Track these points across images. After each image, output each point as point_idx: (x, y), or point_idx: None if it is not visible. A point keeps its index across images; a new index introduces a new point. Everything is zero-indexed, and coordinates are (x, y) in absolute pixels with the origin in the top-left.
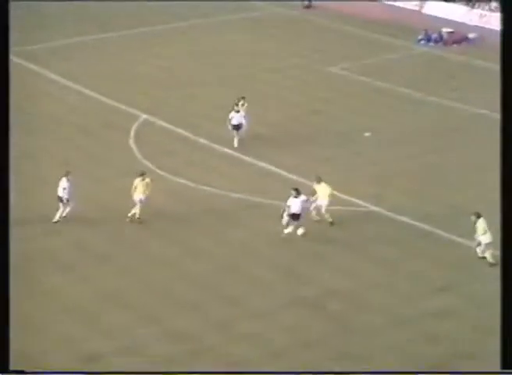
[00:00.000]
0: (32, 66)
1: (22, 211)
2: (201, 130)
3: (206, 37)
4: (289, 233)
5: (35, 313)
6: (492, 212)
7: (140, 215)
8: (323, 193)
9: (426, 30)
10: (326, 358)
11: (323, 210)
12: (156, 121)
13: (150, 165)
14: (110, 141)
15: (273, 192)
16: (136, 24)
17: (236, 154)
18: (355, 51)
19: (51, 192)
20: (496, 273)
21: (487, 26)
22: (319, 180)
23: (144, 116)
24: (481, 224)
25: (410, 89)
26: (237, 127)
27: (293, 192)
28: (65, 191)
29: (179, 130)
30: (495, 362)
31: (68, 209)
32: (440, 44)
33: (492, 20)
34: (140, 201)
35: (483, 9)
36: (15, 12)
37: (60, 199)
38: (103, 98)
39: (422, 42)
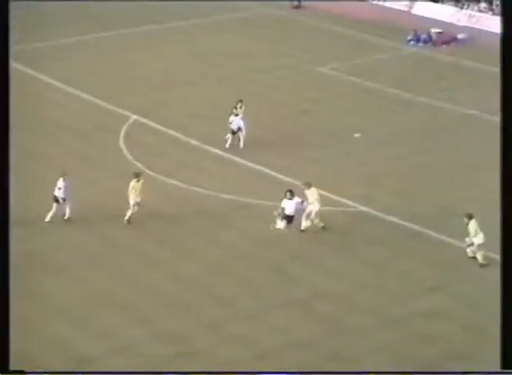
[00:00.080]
0: (22, 67)
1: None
2: (192, 130)
3: (195, 38)
4: (278, 229)
5: (27, 314)
6: (482, 212)
7: (131, 216)
8: (314, 198)
9: (415, 31)
10: (317, 358)
11: (313, 215)
12: (147, 122)
13: (141, 166)
14: (101, 143)
15: (264, 193)
16: (127, 25)
17: (226, 155)
18: (344, 52)
19: (39, 194)
20: (486, 273)
21: (476, 26)
22: (309, 186)
23: (135, 117)
24: (472, 225)
25: (399, 89)
26: (237, 130)
27: (288, 194)
28: (61, 191)
29: (171, 131)
30: (486, 363)
31: (68, 210)
32: (429, 44)
33: (481, 21)
34: (138, 203)
35: (472, 10)
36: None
37: (55, 199)
38: (95, 99)
39: (411, 42)
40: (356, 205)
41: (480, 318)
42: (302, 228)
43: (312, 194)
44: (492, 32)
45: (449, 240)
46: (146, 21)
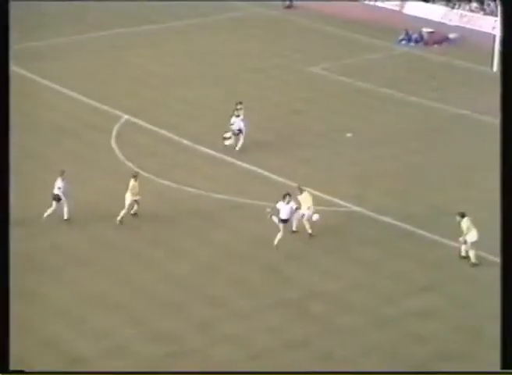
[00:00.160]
0: (15, 67)
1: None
2: (184, 130)
3: (188, 38)
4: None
5: (22, 315)
6: (474, 211)
7: (123, 217)
8: (306, 203)
9: (407, 30)
10: (310, 359)
11: (305, 219)
12: (139, 122)
13: (132, 166)
14: (93, 142)
15: (256, 193)
16: (118, 25)
17: (218, 155)
18: (336, 52)
19: (34, 194)
20: (478, 273)
21: (467, 26)
22: (301, 191)
23: (126, 117)
24: (465, 223)
25: (391, 89)
26: (239, 132)
27: (286, 198)
28: (60, 191)
29: (163, 131)
30: (479, 363)
31: (66, 210)
32: (421, 44)
33: (473, 20)
34: (137, 201)
35: (463, 9)
36: None
37: (56, 198)
38: (87, 99)
39: (403, 42)
40: (348, 205)
41: (472, 318)
42: (293, 229)
43: (305, 199)
44: (484, 32)
45: (441, 240)
46: (142, 21)
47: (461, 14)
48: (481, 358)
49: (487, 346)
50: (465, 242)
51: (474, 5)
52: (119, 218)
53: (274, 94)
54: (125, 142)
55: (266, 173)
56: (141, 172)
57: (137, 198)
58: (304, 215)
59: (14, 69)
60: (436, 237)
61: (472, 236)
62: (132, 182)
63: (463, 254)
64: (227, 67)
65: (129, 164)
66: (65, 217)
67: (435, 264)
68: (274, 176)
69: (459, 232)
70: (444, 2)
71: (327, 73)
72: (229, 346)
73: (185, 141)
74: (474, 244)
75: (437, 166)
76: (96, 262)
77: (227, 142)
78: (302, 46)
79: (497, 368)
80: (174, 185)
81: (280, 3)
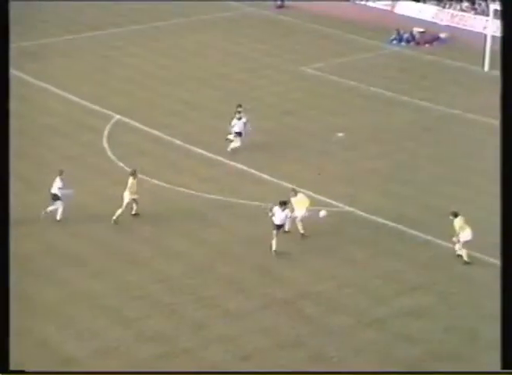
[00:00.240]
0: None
1: None
2: (176, 130)
3: (180, 37)
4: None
5: (13, 315)
6: (466, 211)
7: (119, 216)
8: (300, 205)
9: (398, 30)
10: (302, 359)
11: (298, 220)
12: (130, 122)
13: (124, 166)
14: (84, 142)
15: (248, 193)
16: (110, 24)
17: (209, 155)
18: (327, 51)
19: (22, 195)
20: (470, 272)
21: (458, 25)
22: (296, 193)
23: (118, 117)
24: (458, 223)
25: (382, 89)
26: (239, 134)
27: (282, 206)
28: (60, 191)
29: (154, 131)
30: (471, 363)
31: (60, 211)
32: (412, 43)
33: (464, 20)
34: (135, 200)
35: (454, 9)
36: None
37: (54, 197)
38: (78, 99)
39: (394, 42)
40: (340, 204)
41: (465, 318)
42: (286, 229)
43: (299, 201)
44: (475, 31)
45: (433, 239)
46: (135, 21)
47: (452, 14)
48: (474, 358)
49: (479, 346)
50: (458, 241)
51: (465, 4)
52: (114, 217)
53: (266, 94)
54: (117, 142)
55: (258, 173)
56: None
57: (135, 197)
58: (296, 217)
59: None
60: (428, 237)
61: (466, 235)
62: (130, 180)
63: (458, 252)
64: (219, 67)
65: (121, 164)
66: (58, 218)
67: (427, 264)
68: (266, 176)
69: (452, 231)
70: (435, 2)
71: (319, 72)
72: (221, 346)
73: (177, 141)
74: (467, 243)
75: (429, 166)
76: (87, 263)
77: (232, 145)
78: (293, 46)
79: (490, 368)
80: (166, 185)
81: (272, 3)
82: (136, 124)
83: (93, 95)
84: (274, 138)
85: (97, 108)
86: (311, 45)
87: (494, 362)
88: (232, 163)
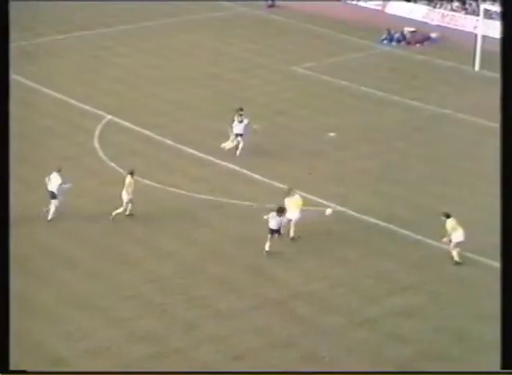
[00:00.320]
0: None
1: None
2: (167, 130)
3: (171, 37)
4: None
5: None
6: (457, 211)
7: (117, 214)
8: (293, 206)
9: (389, 30)
10: (293, 359)
11: (293, 222)
12: (121, 122)
13: (116, 166)
14: (75, 143)
15: (239, 193)
16: (99, 24)
17: (201, 155)
18: (319, 51)
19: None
20: (460, 272)
21: (449, 25)
22: (293, 193)
23: (109, 117)
24: (450, 223)
25: (373, 89)
26: (240, 136)
27: (279, 213)
28: (61, 187)
29: (146, 131)
30: (461, 363)
31: (52, 210)
32: (403, 43)
33: (454, 20)
34: (131, 201)
35: (445, 9)
36: None
37: (52, 195)
38: (69, 99)
39: (385, 42)
40: (332, 204)
41: (455, 318)
42: (282, 232)
43: (294, 202)
44: (465, 31)
45: (424, 239)
46: (125, 21)
47: (443, 14)
48: (464, 358)
49: (470, 346)
50: (450, 242)
51: (456, 4)
52: (113, 213)
53: (257, 94)
54: (108, 142)
55: (250, 173)
56: (124, 172)
57: (131, 197)
58: (291, 219)
59: None
60: (419, 237)
61: (458, 236)
62: (128, 179)
63: (458, 251)
64: (211, 66)
65: (113, 164)
66: (49, 218)
67: (417, 264)
68: (258, 176)
69: (443, 232)
70: (426, 2)
71: (310, 72)
72: (212, 346)
73: (168, 141)
74: (459, 245)
75: (419, 165)
76: (79, 263)
77: (228, 145)
78: (285, 45)
79: (479, 368)
80: (158, 185)
81: (263, 3)
82: (127, 124)
83: (84, 95)
84: (265, 138)
85: (88, 108)
86: (302, 45)
87: (483, 362)
88: (223, 163)
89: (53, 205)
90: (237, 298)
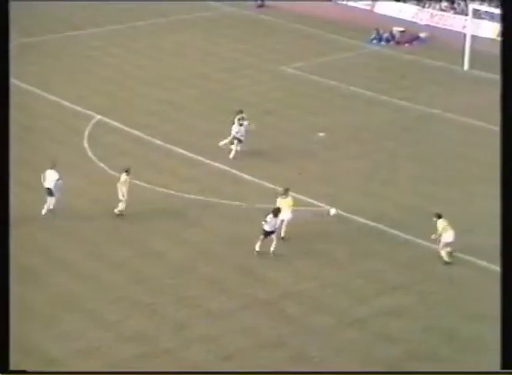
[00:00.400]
0: None
1: None
2: (156, 130)
3: (159, 37)
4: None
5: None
6: (446, 211)
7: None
8: (285, 206)
9: (378, 30)
10: (283, 359)
11: (285, 224)
12: (111, 122)
13: (104, 166)
14: (64, 143)
15: (229, 193)
16: (89, 24)
17: (190, 155)
18: (308, 51)
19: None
20: (450, 272)
21: (438, 25)
22: (287, 194)
23: (99, 117)
24: (440, 224)
25: (362, 88)
26: (240, 140)
27: (275, 213)
28: (58, 183)
29: (135, 131)
30: (451, 363)
31: (46, 207)
32: (392, 43)
33: (443, 20)
34: (121, 201)
35: (434, 9)
36: None
37: (49, 192)
38: (59, 99)
39: (374, 41)
40: (321, 204)
41: (445, 317)
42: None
43: (284, 203)
44: (454, 31)
45: (413, 239)
46: (115, 21)
47: (432, 13)
48: (453, 358)
49: (459, 346)
50: (439, 242)
51: (445, 4)
52: (119, 209)
53: (246, 94)
54: (97, 142)
55: (239, 173)
56: (113, 172)
57: (126, 197)
58: (284, 220)
59: None
60: (408, 237)
61: (448, 236)
62: (124, 176)
63: (448, 250)
64: (199, 66)
65: (102, 165)
66: (43, 212)
67: (407, 263)
68: (247, 177)
69: (434, 232)
70: (415, 2)
71: (299, 72)
72: (202, 346)
73: (157, 141)
74: (448, 245)
75: (408, 165)
76: (68, 263)
77: (237, 147)
78: (274, 45)
79: (467, 368)
80: (147, 185)
81: (252, 3)
82: (117, 124)
83: (73, 95)
84: (254, 138)
85: (78, 108)
86: (291, 45)
87: (472, 362)
88: (213, 163)
89: (49, 202)
90: (227, 298)
